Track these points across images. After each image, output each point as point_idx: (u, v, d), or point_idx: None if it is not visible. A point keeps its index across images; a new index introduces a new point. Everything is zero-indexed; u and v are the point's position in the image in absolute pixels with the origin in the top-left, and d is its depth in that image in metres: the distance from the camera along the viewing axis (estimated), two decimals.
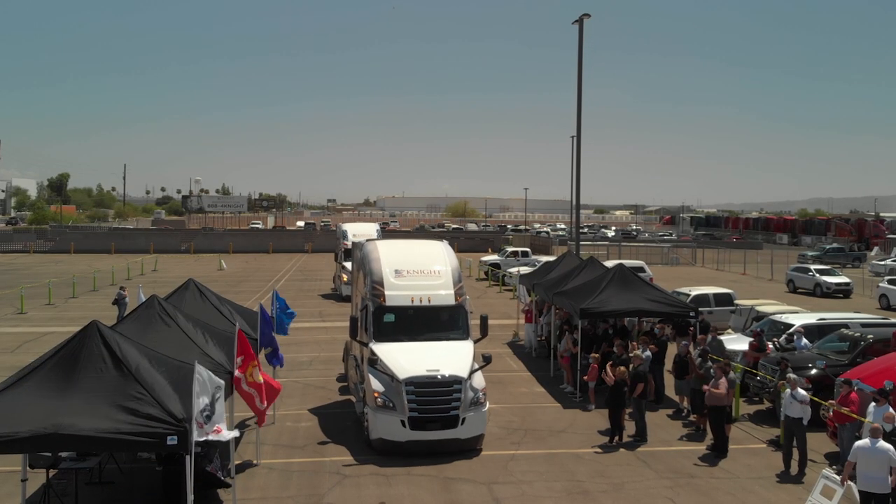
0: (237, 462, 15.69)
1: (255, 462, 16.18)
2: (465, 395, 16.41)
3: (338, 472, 15.78)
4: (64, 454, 13.41)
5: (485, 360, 17.42)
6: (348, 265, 39.76)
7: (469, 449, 16.57)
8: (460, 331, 18.29)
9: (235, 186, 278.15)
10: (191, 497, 9.89)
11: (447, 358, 16.95)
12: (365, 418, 17.06)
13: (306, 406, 20.80)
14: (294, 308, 20.45)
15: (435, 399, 16.33)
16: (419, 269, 18.79)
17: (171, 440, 9.69)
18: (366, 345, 17.64)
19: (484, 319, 18.51)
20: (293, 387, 22.74)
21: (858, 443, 13.03)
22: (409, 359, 16.77)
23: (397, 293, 18.08)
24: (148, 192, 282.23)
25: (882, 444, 12.74)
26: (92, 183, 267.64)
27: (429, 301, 18.14)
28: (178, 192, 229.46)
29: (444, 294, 18.39)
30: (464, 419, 16.45)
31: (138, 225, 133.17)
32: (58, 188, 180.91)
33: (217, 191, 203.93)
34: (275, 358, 17.66)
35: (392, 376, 16.46)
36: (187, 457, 9.83)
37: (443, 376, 16.43)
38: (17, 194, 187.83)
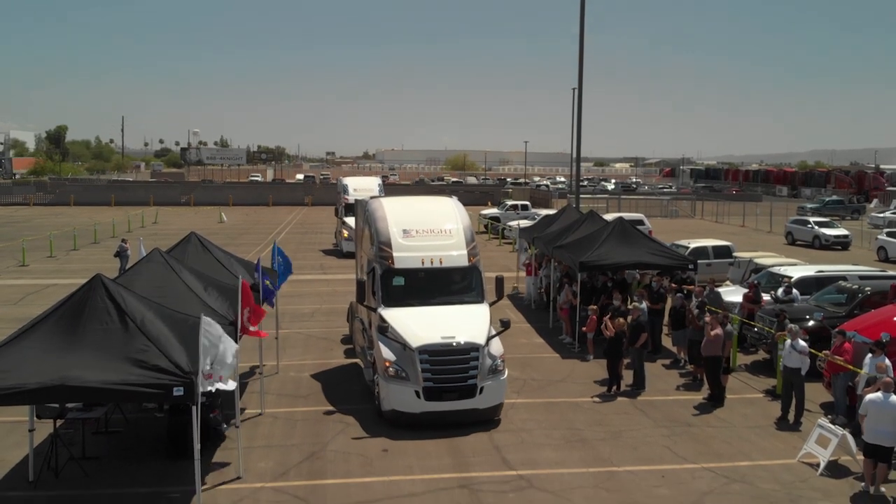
0: (241, 408, 15.97)
1: (259, 411, 16.43)
2: (482, 363, 15.48)
3: (341, 421, 16.05)
4: (70, 405, 13.62)
5: (503, 325, 16.59)
6: (349, 220, 39.29)
7: (488, 420, 15.70)
8: (475, 294, 17.25)
9: (233, 139, 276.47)
10: (197, 446, 10.07)
11: (462, 323, 16.01)
12: (375, 387, 16.17)
13: (309, 357, 21.05)
14: (295, 261, 20.51)
15: (451, 368, 15.40)
16: (429, 228, 17.55)
17: (178, 391, 9.85)
18: (374, 310, 16.60)
19: (499, 281, 17.75)
20: (296, 338, 22.99)
21: (870, 396, 13.14)
22: (421, 325, 15.82)
23: (406, 255, 16.93)
24: (146, 145, 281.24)
25: (894, 398, 12.87)
26: (90, 135, 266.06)
27: (440, 262, 17.02)
28: (177, 143, 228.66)
29: (456, 255, 17.25)
30: (482, 388, 15.47)
31: (137, 177, 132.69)
32: (56, 141, 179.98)
33: (215, 143, 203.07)
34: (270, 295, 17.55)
35: (404, 344, 15.48)
36: (193, 407, 9.97)
37: (458, 343, 15.45)
38: (16, 147, 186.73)
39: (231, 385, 11.68)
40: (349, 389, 18.15)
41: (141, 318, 10.67)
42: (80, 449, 13.79)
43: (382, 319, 16.04)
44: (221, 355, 10.82)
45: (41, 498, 12.33)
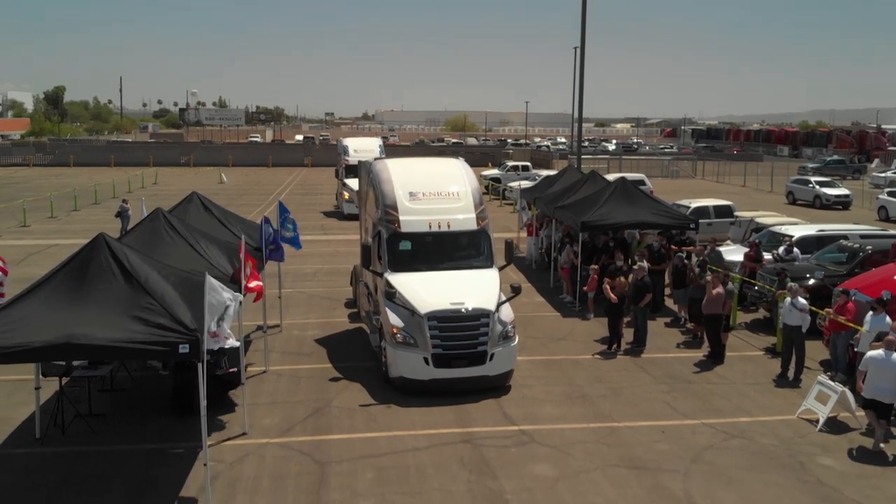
0: (246, 364, 16.11)
1: (264, 369, 16.56)
2: (493, 330, 15.15)
3: (345, 378, 16.20)
4: (76, 363, 13.75)
5: (513, 291, 16.27)
6: (350, 182, 38.77)
7: (498, 386, 15.40)
8: (484, 258, 16.84)
9: (232, 99, 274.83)
10: (204, 403, 10.17)
11: (472, 289, 15.63)
12: (382, 354, 15.84)
13: (312, 316, 21.18)
14: (296, 222, 20.39)
15: (460, 334, 15.05)
16: (436, 190, 17.02)
17: (183, 349, 9.89)
18: (380, 275, 16.22)
19: (508, 245, 17.29)
20: (299, 297, 23.11)
21: (871, 353, 13.25)
22: (429, 291, 15.45)
23: (413, 218, 16.45)
24: (145, 105, 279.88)
25: (892, 354, 12.97)
26: (88, 96, 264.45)
27: (448, 226, 16.56)
28: (175, 104, 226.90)
29: (464, 218, 16.76)
30: (492, 355, 15.13)
31: (136, 138, 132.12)
32: (54, 101, 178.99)
33: (214, 104, 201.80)
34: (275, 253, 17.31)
35: (412, 311, 15.13)
36: (199, 364, 10.05)
37: (468, 310, 15.10)
38: (14, 107, 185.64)
39: (234, 342, 11.76)
40: (352, 347, 18.29)
41: (145, 277, 10.70)
42: (87, 406, 13.94)
43: (389, 285, 15.70)
44: (226, 314, 10.87)
45: (49, 454, 12.49)
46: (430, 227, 16.50)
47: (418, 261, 16.33)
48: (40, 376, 13.29)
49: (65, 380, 13.80)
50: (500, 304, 15.51)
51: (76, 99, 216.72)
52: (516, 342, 15.77)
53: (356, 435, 13.43)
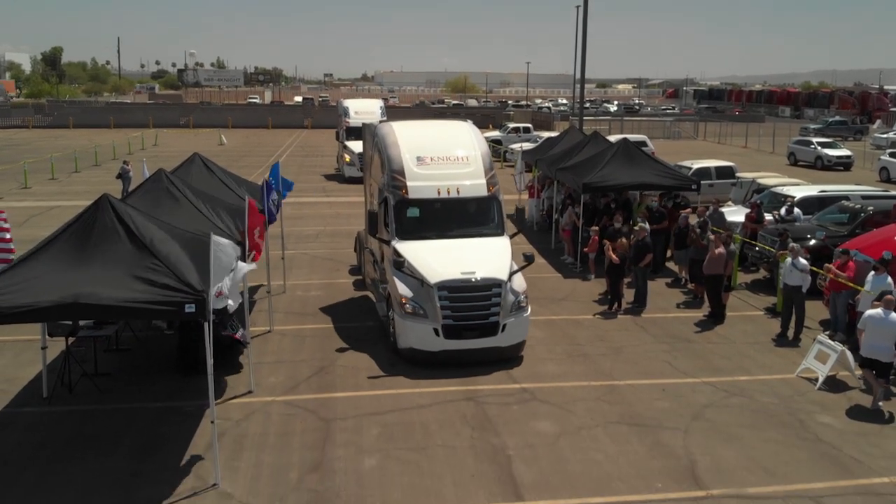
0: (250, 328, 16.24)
1: (268, 329, 16.69)
2: (505, 300, 14.69)
3: (349, 337, 16.33)
4: (82, 323, 13.86)
5: (526, 260, 15.75)
6: (351, 145, 38.67)
7: (510, 357, 15.03)
8: (495, 226, 16.27)
9: (230, 60, 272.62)
10: (210, 361, 10.28)
11: (483, 258, 15.17)
12: (391, 324, 15.41)
13: (315, 277, 21.27)
14: (297, 184, 20.33)
15: (472, 305, 14.60)
16: (444, 155, 16.43)
17: (189, 308, 9.94)
18: (387, 243, 15.73)
19: (521, 211, 16.87)
20: (301, 258, 23.20)
21: (870, 312, 13.34)
22: (439, 260, 14.97)
23: (421, 184, 15.87)
24: (143, 66, 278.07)
25: (894, 315, 13.07)
26: (86, 57, 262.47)
27: (457, 192, 15.99)
28: (174, 65, 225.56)
29: (474, 184, 16.19)
30: (504, 326, 14.69)
31: (135, 100, 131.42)
32: (52, 62, 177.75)
33: (212, 64, 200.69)
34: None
35: (421, 280, 14.66)
36: (205, 324, 10.13)
37: (480, 279, 14.65)
38: (12, 69, 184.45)
39: (236, 302, 11.87)
40: (355, 308, 18.42)
41: (150, 238, 10.74)
42: (93, 366, 14.07)
43: (397, 253, 15.27)
44: (232, 273, 10.94)
45: (56, 413, 12.64)
46: (438, 193, 15.91)
47: (427, 228, 15.81)
48: (46, 336, 13.42)
49: (71, 340, 13.92)
50: (512, 274, 15.03)
51: (74, 60, 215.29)
52: (529, 312, 15.32)
53: (361, 393, 13.60)
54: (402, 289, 14.80)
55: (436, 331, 14.48)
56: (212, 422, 10.48)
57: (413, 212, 15.93)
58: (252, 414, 12.68)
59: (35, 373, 13.90)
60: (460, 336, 14.55)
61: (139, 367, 14.70)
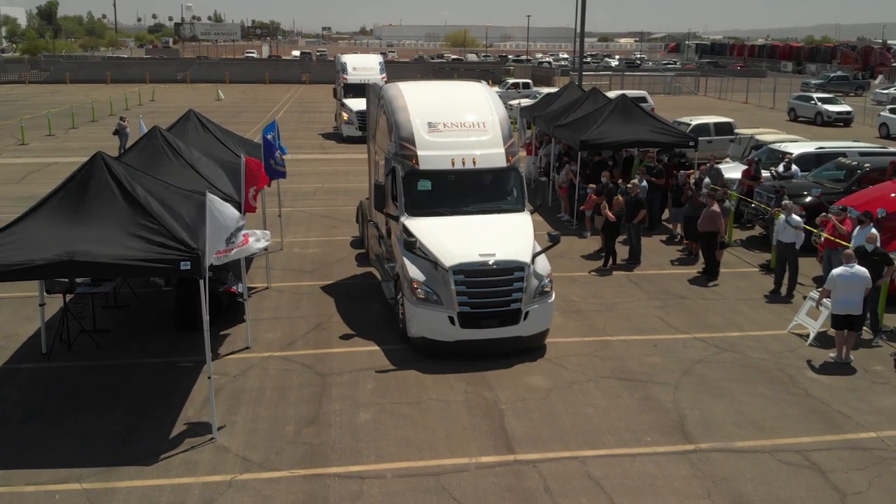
0: (248, 285, 16.36)
1: (266, 285, 16.81)
2: (528, 285, 13.30)
3: (346, 294, 16.47)
4: (79, 280, 13.97)
5: (551, 240, 14.27)
6: (349, 102, 38.00)
7: (533, 347, 13.71)
8: (515, 201, 14.85)
9: (227, 13, 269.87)
10: (206, 318, 10.38)
11: (503, 237, 13.79)
12: (400, 309, 14.07)
13: (312, 234, 21.36)
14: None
15: (491, 290, 13.21)
16: (458, 121, 14.91)
17: (185, 265, 10.03)
18: (396, 219, 14.43)
19: (542, 185, 15.89)
20: (299, 216, 23.28)
21: (836, 270, 13.42)
22: (454, 239, 13.58)
23: (433, 153, 14.39)
24: (139, 20, 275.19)
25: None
26: (82, 10, 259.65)
27: (473, 163, 14.49)
28: (170, 19, 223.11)
29: (492, 154, 14.69)
30: (527, 313, 13.30)
31: (132, 54, 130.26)
32: (47, 16, 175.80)
33: (209, 18, 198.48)
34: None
35: (435, 262, 13.27)
36: (201, 281, 10.23)
37: (500, 261, 13.22)
38: (7, 23, 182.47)
39: (255, 246, 12.01)
40: (353, 264, 18.54)
41: (145, 196, 10.78)
42: (91, 322, 14.22)
43: (408, 232, 13.87)
44: (229, 230, 10.98)
45: (55, 368, 12.82)
46: (452, 164, 14.44)
47: (440, 203, 14.37)
48: (44, 293, 13.54)
49: (69, 297, 14.04)
50: (535, 256, 13.62)
51: (70, 14, 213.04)
52: (553, 298, 13.92)
53: (357, 348, 13.76)
54: (414, 272, 13.42)
55: (451, 319, 13.12)
56: (208, 377, 10.63)
57: (424, 184, 14.47)
58: (249, 369, 12.85)
59: (34, 329, 14.04)
60: (478, 325, 13.21)
61: (138, 323, 14.85)
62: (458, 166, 14.51)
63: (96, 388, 12.09)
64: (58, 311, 14.11)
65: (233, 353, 13.47)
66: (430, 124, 14.73)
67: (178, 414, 11.34)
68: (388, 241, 15.28)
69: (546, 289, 13.67)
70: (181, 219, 10.79)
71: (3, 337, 14.02)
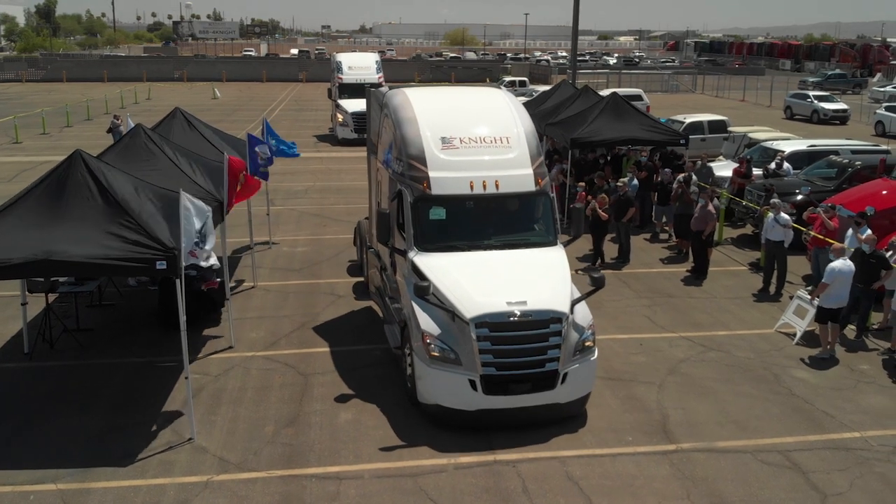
0: (233, 284, 16.31)
1: (252, 284, 16.74)
2: (567, 339, 10.94)
3: (332, 293, 16.39)
4: (62, 279, 13.89)
5: (593, 284, 11.59)
6: (344, 103, 37.30)
7: (571, 416, 11.32)
8: (545, 232, 12.57)
9: (226, 11, 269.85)
10: (183, 318, 10.30)
11: (535, 280, 11.49)
12: (407, 364, 11.65)
13: (301, 233, 21.28)
14: (289, 139, 19.95)
15: (522, 348, 10.82)
16: (477, 135, 12.47)
17: (161, 265, 9.94)
18: (403, 254, 12.12)
19: (577, 211, 13.03)
20: (289, 214, 23.19)
21: (836, 265, 13.36)
22: (476, 283, 11.20)
23: (448, 175, 12.02)
24: (139, 18, 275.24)
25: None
26: (81, 9, 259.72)
27: (496, 187, 12.07)
28: (169, 17, 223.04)
29: (518, 175, 12.28)
30: (565, 375, 10.94)
31: (130, 52, 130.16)
32: (46, 15, 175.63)
33: (208, 16, 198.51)
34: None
35: (453, 312, 10.85)
36: (177, 280, 10.16)
37: (533, 312, 10.80)
38: (6, 22, 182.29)
39: (214, 262, 11.88)
40: (341, 264, 18.44)
41: (123, 194, 10.70)
42: (75, 321, 14.15)
43: (418, 272, 11.56)
44: (205, 231, 10.91)
45: (37, 368, 12.75)
46: (471, 187, 12.02)
47: (456, 235, 12.14)
48: (26, 292, 13.47)
49: (52, 296, 13.97)
50: (574, 303, 11.35)
51: (68, 12, 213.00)
52: (596, 355, 11.51)
53: (341, 348, 13.70)
54: (426, 322, 11.04)
55: (472, 383, 10.74)
56: (185, 377, 10.55)
57: (437, 213, 12.21)
58: (231, 369, 12.79)
59: (17, 329, 13.96)
60: (506, 390, 10.82)
61: (122, 322, 14.78)
62: (478, 191, 12.06)
63: (77, 388, 12.02)
64: (41, 310, 14.04)
65: (216, 352, 13.40)
66: (443, 139, 12.33)
67: (157, 414, 11.29)
68: (395, 277, 12.87)
69: (588, 343, 11.29)
70: (158, 217, 10.71)
71: None
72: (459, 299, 10.92)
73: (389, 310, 13.33)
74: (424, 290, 10.99)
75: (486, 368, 10.73)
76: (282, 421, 11.15)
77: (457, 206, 12.24)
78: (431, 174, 12.01)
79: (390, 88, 13.95)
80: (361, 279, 16.81)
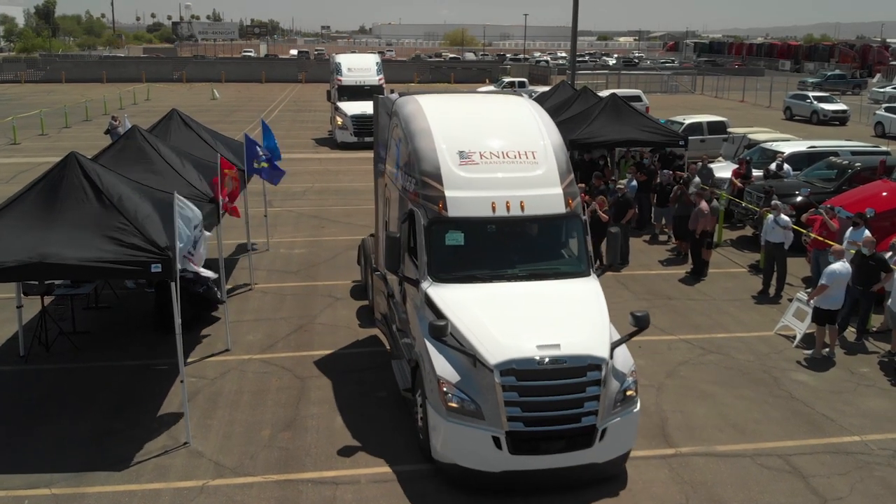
0: (230, 286, 16.24)
1: (249, 286, 16.67)
2: (606, 389, 9.44)
3: (329, 295, 16.32)
4: (58, 281, 13.83)
5: (636, 324, 10.09)
6: (344, 106, 36.74)
7: (609, 477, 9.86)
8: (577, 261, 11.16)
9: (226, 12, 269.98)
10: (178, 320, 10.25)
11: (568, 318, 10.07)
12: (420, 415, 10.25)
13: (299, 235, 21.21)
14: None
15: (555, 400, 9.34)
16: (499, 148, 11.06)
17: (155, 268, 9.89)
18: (416, 285, 10.69)
19: (614, 236, 12.07)
20: (287, 216, 23.12)
21: (836, 267, 13.36)
22: (500, 321, 9.76)
23: (467, 195, 10.63)
24: (138, 19, 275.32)
25: (847, 264, 13.41)
26: (80, 10, 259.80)
27: (521, 208, 10.65)
28: (169, 17, 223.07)
29: (546, 195, 10.85)
30: (604, 431, 9.46)
31: (129, 53, 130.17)
32: (45, 16, 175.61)
33: (207, 17, 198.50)
34: (271, 172, 16.82)
35: (475, 357, 9.38)
36: (172, 283, 10.11)
37: (568, 357, 9.31)
38: (5, 22, 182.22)
39: (210, 274, 11.81)
40: (339, 266, 18.36)
41: (118, 196, 10.64)
42: (71, 324, 14.09)
43: (433, 307, 10.15)
44: (197, 235, 10.84)
45: (32, 371, 12.68)
46: (493, 209, 10.61)
47: (476, 264, 10.77)
48: (21, 295, 13.41)
49: (48, 299, 13.91)
50: (614, 346, 9.81)
51: (68, 13, 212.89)
52: (638, 406, 10.04)
53: (338, 350, 13.63)
54: (442, 367, 9.59)
55: (496, 440, 9.26)
56: (181, 381, 10.48)
57: (455, 238, 10.79)
58: (227, 372, 12.72)
59: (12, 332, 13.88)
60: (536, 449, 9.37)
61: (118, 325, 14.72)
62: (501, 213, 10.64)
63: (72, 391, 11.95)
64: (37, 313, 13.97)
65: (212, 355, 13.33)
66: (461, 154, 10.94)
67: (153, 418, 11.21)
68: (402, 307, 11.63)
69: (629, 392, 9.79)
70: (154, 220, 10.64)
71: None
72: (482, 341, 9.44)
73: (398, 343, 11.88)
74: (441, 331, 9.47)
75: (513, 423, 9.24)
76: (278, 425, 11.08)
77: (477, 231, 10.87)
78: (448, 193, 10.61)
79: (400, 95, 12.80)
80: (366, 303, 15.63)
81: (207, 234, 11.75)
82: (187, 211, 10.42)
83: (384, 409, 11.52)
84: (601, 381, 9.33)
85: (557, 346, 9.33)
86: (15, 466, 9.91)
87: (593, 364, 9.34)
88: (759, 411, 11.69)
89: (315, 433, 10.87)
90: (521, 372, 9.20)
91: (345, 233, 21.04)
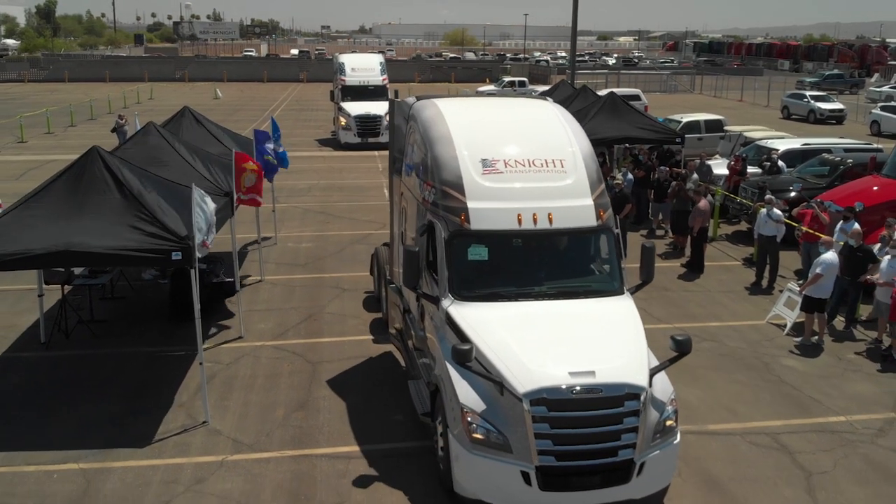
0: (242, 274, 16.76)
1: (259, 278, 17.21)
2: (645, 420, 8.75)
3: (336, 287, 16.86)
4: (77, 271, 14.41)
5: (676, 349, 9.32)
6: (347, 106, 36.73)
7: None
8: (609, 278, 10.51)
9: (226, 12, 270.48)
10: (198, 307, 10.78)
11: (602, 341, 9.35)
12: (440, 445, 9.58)
13: (306, 229, 21.75)
14: (291, 139, 20.36)
15: (590, 432, 8.64)
16: (525, 156, 10.39)
17: (176, 256, 10.43)
18: (436, 303, 10.03)
19: (648, 251, 10.78)
20: (293, 211, 23.65)
21: (827, 257, 13.94)
22: (529, 344, 9.07)
23: (491, 206, 9.97)
24: (139, 19, 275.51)
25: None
26: (81, 9, 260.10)
27: (549, 221, 9.99)
28: (169, 17, 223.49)
29: (576, 207, 10.18)
30: (642, 465, 8.78)
31: (131, 53, 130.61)
32: (46, 15, 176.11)
33: (208, 16, 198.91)
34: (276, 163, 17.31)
35: (502, 384, 8.67)
36: (192, 271, 10.64)
37: (603, 385, 8.60)
38: (6, 22, 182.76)
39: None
40: (345, 259, 18.92)
41: (138, 189, 11.17)
42: (89, 313, 14.64)
43: (455, 328, 9.48)
44: (210, 223, 11.37)
45: (53, 357, 13.23)
46: (518, 221, 9.94)
47: (501, 281, 10.09)
48: (43, 284, 13.95)
49: (67, 288, 14.45)
50: (653, 372, 9.16)
51: (69, 13, 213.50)
52: (678, 438, 9.32)
53: (347, 338, 14.17)
54: (466, 395, 8.91)
55: (525, 475, 8.58)
56: (200, 363, 11.03)
57: (478, 252, 10.12)
58: (242, 357, 13.26)
59: (33, 320, 14.44)
60: (568, 485, 8.71)
61: (134, 314, 15.26)
62: (528, 226, 9.96)
63: (93, 376, 12.49)
64: (56, 302, 14.49)
65: (226, 342, 13.87)
66: (484, 162, 10.25)
67: (171, 400, 11.75)
68: (420, 324, 10.97)
69: (669, 422, 9.10)
70: (172, 210, 11.18)
71: (3, 327, 14.43)
72: (509, 367, 8.71)
73: (414, 363, 11.28)
74: (466, 356, 8.73)
75: (544, 458, 8.54)
76: (292, 405, 11.63)
77: (501, 245, 10.17)
78: (470, 205, 9.92)
79: (417, 98, 12.25)
80: (379, 315, 15.12)
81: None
82: (204, 203, 10.96)
83: (394, 390, 12.05)
84: (639, 411, 8.63)
85: (592, 373, 8.64)
86: (43, 444, 10.45)
87: (631, 393, 8.63)
88: (750, 394, 12.23)
89: (327, 413, 11.41)
90: (552, 402, 8.50)
91: (350, 228, 21.58)
